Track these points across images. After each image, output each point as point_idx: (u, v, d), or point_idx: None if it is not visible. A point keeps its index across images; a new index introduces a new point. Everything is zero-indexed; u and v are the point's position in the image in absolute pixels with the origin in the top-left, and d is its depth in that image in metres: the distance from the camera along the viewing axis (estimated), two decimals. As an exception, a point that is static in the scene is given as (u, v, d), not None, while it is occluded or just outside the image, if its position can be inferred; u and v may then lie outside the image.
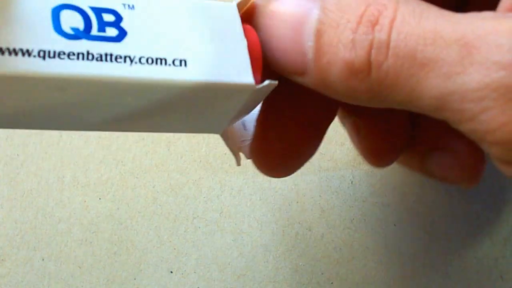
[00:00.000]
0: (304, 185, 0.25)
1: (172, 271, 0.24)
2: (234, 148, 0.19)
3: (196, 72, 0.14)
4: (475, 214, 0.25)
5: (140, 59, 0.14)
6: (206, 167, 0.25)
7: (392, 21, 0.13)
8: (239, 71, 0.15)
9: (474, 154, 0.20)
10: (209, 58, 0.14)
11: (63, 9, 0.13)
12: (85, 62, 0.13)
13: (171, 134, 0.26)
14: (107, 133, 0.26)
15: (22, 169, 0.25)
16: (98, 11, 0.14)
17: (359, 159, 0.25)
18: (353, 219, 0.25)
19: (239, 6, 0.16)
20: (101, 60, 0.13)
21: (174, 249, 0.24)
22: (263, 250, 0.24)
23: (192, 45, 0.14)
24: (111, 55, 0.13)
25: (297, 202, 0.25)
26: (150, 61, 0.14)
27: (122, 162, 0.25)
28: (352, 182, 0.25)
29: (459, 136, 0.19)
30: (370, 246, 0.24)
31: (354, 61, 0.13)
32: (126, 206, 0.25)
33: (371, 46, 0.13)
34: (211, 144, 0.25)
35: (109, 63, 0.13)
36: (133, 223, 0.24)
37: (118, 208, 0.25)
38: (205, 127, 0.17)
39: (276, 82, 0.15)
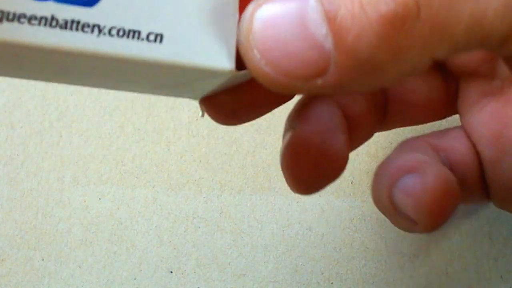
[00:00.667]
0: (304, 185, 0.25)
1: (172, 271, 0.24)
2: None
3: (170, 51, 0.13)
4: (475, 214, 0.25)
5: (110, 29, 0.12)
6: (206, 167, 0.25)
7: None
8: (221, 53, 0.13)
9: (442, 184, 0.17)
10: (189, 34, 0.13)
11: None
12: (47, 28, 0.12)
13: (171, 134, 0.26)
14: (107, 133, 0.26)
15: (22, 169, 0.25)
16: None
17: (359, 159, 0.25)
18: (353, 219, 0.25)
19: None
20: (65, 27, 0.12)
21: (174, 249, 0.24)
22: (263, 250, 0.24)
23: (174, 17, 0.13)
24: (78, 22, 0.12)
25: (297, 202, 0.25)
26: (121, 32, 0.12)
27: (122, 162, 0.25)
28: (352, 182, 0.25)
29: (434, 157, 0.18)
30: (370, 246, 0.24)
31: (396, 9, 0.12)
32: (126, 206, 0.25)
33: None
34: (211, 144, 0.25)
35: (73, 32, 0.12)
36: (133, 223, 0.24)
37: (118, 208, 0.25)
38: (179, 94, 0.16)
39: None
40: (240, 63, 0.13)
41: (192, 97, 0.16)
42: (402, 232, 0.24)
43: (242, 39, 0.13)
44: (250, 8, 0.13)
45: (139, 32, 0.12)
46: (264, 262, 0.24)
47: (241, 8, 0.13)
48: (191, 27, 0.13)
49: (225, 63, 0.13)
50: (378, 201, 0.18)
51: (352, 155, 0.25)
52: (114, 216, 0.25)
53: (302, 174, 0.17)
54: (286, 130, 0.18)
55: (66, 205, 0.25)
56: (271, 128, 0.26)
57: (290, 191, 0.25)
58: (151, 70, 0.13)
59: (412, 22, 0.12)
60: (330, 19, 0.12)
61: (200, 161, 0.25)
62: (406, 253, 0.24)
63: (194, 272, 0.24)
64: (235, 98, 0.17)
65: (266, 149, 0.25)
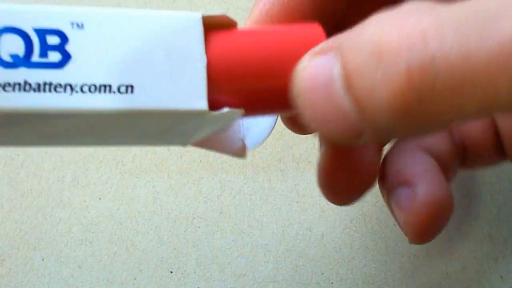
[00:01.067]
0: (304, 185, 0.25)
1: (172, 271, 0.24)
2: (227, 151, 0.17)
3: (142, 99, 0.13)
4: (475, 214, 0.25)
5: (82, 87, 0.13)
6: (206, 167, 0.25)
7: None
8: (192, 95, 0.13)
9: (431, 197, 0.18)
10: (159, 82, 0.13)
11: (4, 33, 0.12)
12: (21, 93, 0.12)
13: (171, 134, 0.26)
14: (107, 133, 0.26)
15: (22, 169, 0.25)
16: (42, 34, 0.13)
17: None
18: (353, 219, 0.25)
19: (207, 20, 0.14)
20: (39, 90, 0.12)
21: (174, 249, 0.24)
22: (263, 250, 0.24)
23: (143, 67, 0.13)
24: (50, 84, 0.13)
25: (297, 202, 0.25)
26: (93, 88, 0.13)
27: (122, 162, 0.25)
28: (352, 182, 0.25)
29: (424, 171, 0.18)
30: (370, 246, 0.24)
31: (402, 89, 0.11)
32: (126, 206, 0.25)
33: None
34: (211, 144, 0.25)
35: (47, 93, 0.12)
36: (133, 223, 0.24)
37: (118, 208, 0.25)
38: (166, 141, 0.16)
39: (239, 110, 0.14)
40: (213, 103, 0.14)
41: (181, 144, 0.16)
42: (402, 232, 0.24)
43: (294, 99, 0.13)
44: (298, 65, 0.13)
45: (110, 86, 0.13)
46: (264, 262, 0.24)
47: (207, 48, 0.14)
48: (160, 74, 0.13)
49: (197, 104, 0.13)
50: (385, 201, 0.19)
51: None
52: (114, 216, 0.25)
53: (340, 186, 0.18)
54: (320, 146, 0.19)
55: (66, 205, 0.25)
56: (271, 128, 0.26)
57: (290, 191, 0.25)
58: (129, 121, 0.13)
59: (426, 96, 0.11)
60: (351, 89, 0.12)
61: (200, 161, 0.25)
62: (406, 253, 0.24)
63: (194, 272, 0.24)
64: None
65: (266, 149, 0.25)
